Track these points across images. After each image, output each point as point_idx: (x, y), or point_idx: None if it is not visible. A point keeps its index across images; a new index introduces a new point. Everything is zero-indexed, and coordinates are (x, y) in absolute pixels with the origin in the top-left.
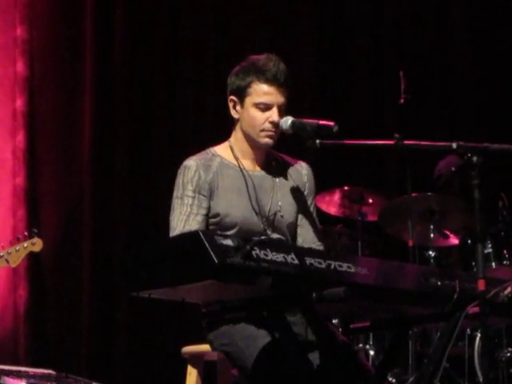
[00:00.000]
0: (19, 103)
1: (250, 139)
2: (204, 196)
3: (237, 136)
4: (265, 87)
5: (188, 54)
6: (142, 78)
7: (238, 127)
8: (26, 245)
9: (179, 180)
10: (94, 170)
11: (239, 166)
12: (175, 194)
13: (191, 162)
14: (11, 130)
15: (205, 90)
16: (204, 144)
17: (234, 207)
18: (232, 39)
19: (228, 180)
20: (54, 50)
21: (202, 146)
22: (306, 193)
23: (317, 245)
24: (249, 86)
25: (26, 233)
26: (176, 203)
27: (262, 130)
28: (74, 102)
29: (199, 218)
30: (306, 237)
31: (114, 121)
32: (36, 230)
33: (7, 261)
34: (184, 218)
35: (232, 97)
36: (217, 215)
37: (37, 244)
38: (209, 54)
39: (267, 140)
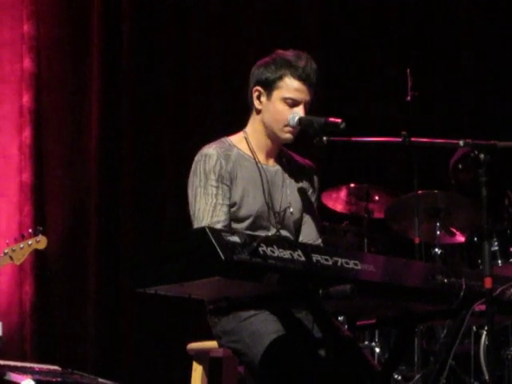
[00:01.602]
0: (26, 99)
1: (270, 132)
2: (227, 186)
3: (255, 127)
4: (297, 83)
5: (194, 50)
6: (149, 74)
7: (257, 118)
8: (30, 242)
9: (200, 168)
10: (101, 166)
11: (255, 159)
12: (197, 182)
13: (211, 151)
14: (18, 126)
15: (211, 89)
16: (210, 141)
17: (250, 199)
18: (236, 38)
19: (245, 171)
20: (61, 46)
21: (208, 142)
22: (310, 191)
23: (317, 243)
24: (280, 79)
25: (30, 230)
26: (199, 193)
27: (286, 126)
28: (80, 98)
29: (225, 208)
30: (309, 234)
31: (120, 117)
32: (41, 228)
33: (11, 258)
34: (211, 208)
35: (258, 87)
36: (233, 205)
37: (41, 241)
38: (215, 53)
39: (288, 136)
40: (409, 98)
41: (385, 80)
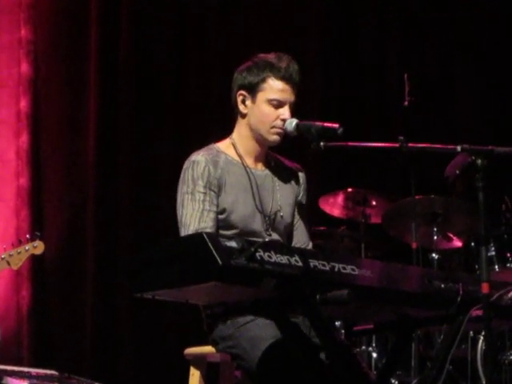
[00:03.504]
0: (23, 104)
1: (257, 135)
2: (214, 192)
3: (241, 132)
4: (280, 84)
5: (194, 54)
6: (146, 79)
7: (243, 123)
8: (27, 247)
9: (188, 175)
10: (98, 171)
11: (243, 164)
12: (184, 189)
13: (200, 157)
14: (15, 130)
15: (211, 94)
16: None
17: (240, 204)
18: (237, 39)
19: (234, 177)
20: (59, 50)
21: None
22: (301, 195)
23: (309, 247)
24: (263, 81)
25: (28, 235)
26: (186, 199)
27: (273, 127)
28: (78, 102)
29: (212, 214)
30: (300, 239)
31: (118, 122)
32: (38, 233)
33: (8, 263)
34: (198, 214)
35: (242, 91)
36: (223, 211)
37: (38, 247)
38: (214, 54)
39: (276, 137)
40: (406, 103)
41: (383, 85)
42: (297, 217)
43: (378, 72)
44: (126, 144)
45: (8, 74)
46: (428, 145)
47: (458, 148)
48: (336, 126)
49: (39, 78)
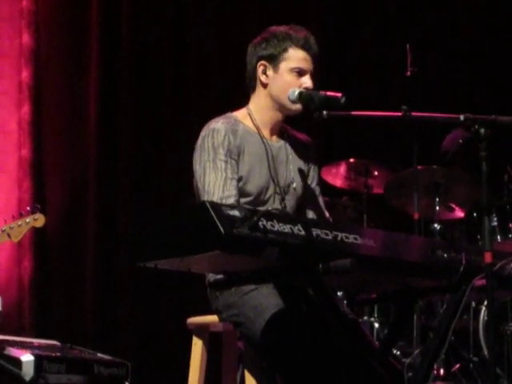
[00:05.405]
0: (25, 75)
1: (278, 105)
2: (235, 160)
3: (259, 103)
4: (301, 53)
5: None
6: (148, 50)
7: (262, 93)
8: (28, 220)
9: (208, 143)
10: (100, 142)
11: (259, 135)
12: (206, 157)
13: (220, 125)
14: (17, 101)
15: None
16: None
17: (256, 174)
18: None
19: (251, 147)
20: (61, 20)
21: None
22: (312, 167)
23: (327, 218)
24: (285, 50)
25: (28, 208)
26: (208, 167)
27: None
28: (80, 73)
29: (234, 182)
30: (316, 211)
31: (120, 93)
32: (39, 206)
33: (9, 235)
34: (221, 183)
35: (263, 62)
36: (240, 179)
37: (39, 219)
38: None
39: (298, 106)
40: (408, 73)
41: (385, 55)
42: (310, 189)
43: (380, 42)
44: (127, 115)
45: (9, 45)
46: (431, 114)
47: (461, 117)
48: (339, 95)
49: (41, 49)
